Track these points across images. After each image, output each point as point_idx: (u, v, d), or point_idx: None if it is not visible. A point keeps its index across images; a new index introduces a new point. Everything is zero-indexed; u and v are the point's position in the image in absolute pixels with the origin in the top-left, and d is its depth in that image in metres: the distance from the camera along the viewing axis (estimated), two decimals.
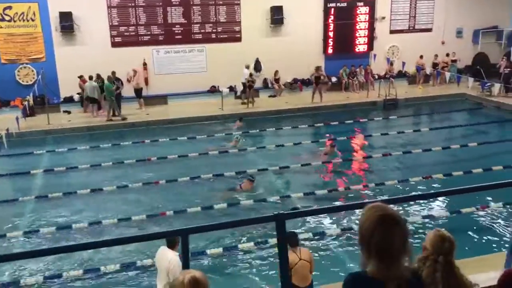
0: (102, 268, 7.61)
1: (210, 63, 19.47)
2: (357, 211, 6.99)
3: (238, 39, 19.83)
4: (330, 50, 20.84)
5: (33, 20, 17.80)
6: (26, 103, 16.51)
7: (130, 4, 18.57)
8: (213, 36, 19.61)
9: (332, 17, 20.48)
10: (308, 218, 8.84)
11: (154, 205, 10.13)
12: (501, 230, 8.42)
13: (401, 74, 21.19)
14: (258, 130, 15.68)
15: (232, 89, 19.31)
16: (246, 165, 12.32)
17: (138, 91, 18.05)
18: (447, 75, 19.90)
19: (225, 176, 11.55)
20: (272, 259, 7.52)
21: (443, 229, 2.98)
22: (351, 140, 14.78)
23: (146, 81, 18.91)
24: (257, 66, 19.71)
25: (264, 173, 11.77)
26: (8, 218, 9.66)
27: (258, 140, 14.75)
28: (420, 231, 8.22)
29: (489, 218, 9.07)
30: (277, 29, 20.00)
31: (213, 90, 19.46)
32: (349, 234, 8.37)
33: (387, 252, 2.13)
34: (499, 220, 8.93)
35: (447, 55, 21.65)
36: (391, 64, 20.61)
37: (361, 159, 13.06)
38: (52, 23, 17.91)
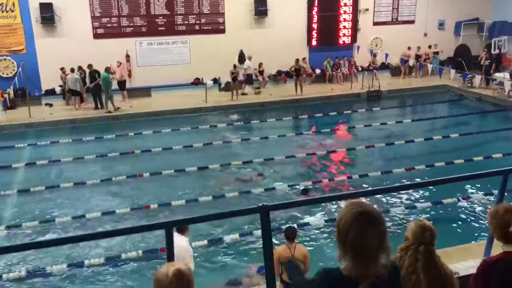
0: (86, 261, 7.57)
1: (193, 55, 19.34)
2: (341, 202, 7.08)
3: (222, 31, 19.71)
4: (314, 42, 20.84)
5: (12, 11, 17.42)
6: (6, 95, 16.21)
7: None
8: (197, 27, 19.46)
9: (316, 9, 20.46)
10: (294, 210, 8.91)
11: (139, 198, 10.09)
12: (481, 219, 8.57)
13: (384, 66, 21.34)
14: (242, 123, 15.65)
15: (216, 81, 19.23)
16: (230, 157, 12.33)
17: (121, 83, 17.84)
18: (430, 67, 20.09)
19: (210, 169, 11.54)
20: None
21: (425, 219, 3.03)
22: (335, 132, 14.88)
23: (129, 73, 18.72)
24: (241, 58, 19.66)
25: (249, 164, 11.82)
26: None
27: (243, 133, 14.73)
28: (404, 221, 8.34)
29: (470, 208, 9.24)
30: (261, 20, 19.93)
31: (197, 82, 19.34)
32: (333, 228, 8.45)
33: (362, 249, 2.11)
34: (480, 210, 9.10)
35: (429, 47, 21.83)
36: (375, 56, 20.71)
37: (345, 150, 13.15)
38: (32, 14, 17.55)
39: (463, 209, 9.23)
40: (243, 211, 3.64)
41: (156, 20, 18.96)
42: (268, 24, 19.94)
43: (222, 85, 19.24)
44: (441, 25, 22.49)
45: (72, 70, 16.91)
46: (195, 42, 19.30)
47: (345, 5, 20.82)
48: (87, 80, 17.31)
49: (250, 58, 19.05)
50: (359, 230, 2.11)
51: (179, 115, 16.53)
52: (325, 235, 8.33)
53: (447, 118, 16.33)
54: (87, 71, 17.21)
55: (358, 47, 20.96)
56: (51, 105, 17.66)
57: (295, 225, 7.79)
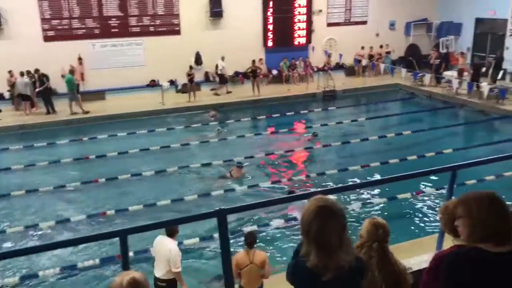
0: (41, 273, 7.31)
1: (148, 57, 19.01)
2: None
3: (177, 32, 19.50)
4: (270, 43, 20.96)
5: None
6: None
7: None
8: (151, 29, 19.17)
9: (271, 10, 20.58)
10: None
11: (95, 205, 9.84)
12: (434, 213, 8.87)
13: (339, 66, 21.72)
14: (200, 124, 15.56)
15: (172, 82, 19.01)
16: (189, 159, 12.24)
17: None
18: (382, 66, 20.62)
19: (167, 172, 11.39)
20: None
21: (379, 216, 3.11)
22: (292, 131, 15.03)
23: (82, 76, 18.19)
24: (198, 60, 19.54)
25: (208, 166, 11.77)
26: None
27: (200, 134, 14.62)
28: (361, 217, 8.51)
29: (423, 202, 9.57)
30: (216, 22, 19.86)
31: (153, 84, 19.05)
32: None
33: (324, 242, 2.21)
34: (433, 204, 9.43)
35: (381, 46, 22.41)
36: (329, 56, 21.05)
37: (303, 150, 13.30)
38: None
39: (417, 203, 9.55)
40: (200, 215, 3.60)
41: (109, 21, 18.53)
42: (224, 26, 19.89)
43: (179, 87, 19.04)
44: (392, 25, 23.12)
45: (22, 74, 16.28)
46: (150, 44, 18.99)
47: (299, 6, 21.05)
48: (37, 84, 16.70)
49: (223, 58, 19.00)
50: (321, 223, 2.21)
51: (135, 118, 16.23)
52: (287, 233, 8.42)
53: (400, 115, 16.86)
54: (36, 75, 16.62)
55: (313, 48, 21.25)
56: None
57: (255, 228, 7.79)
